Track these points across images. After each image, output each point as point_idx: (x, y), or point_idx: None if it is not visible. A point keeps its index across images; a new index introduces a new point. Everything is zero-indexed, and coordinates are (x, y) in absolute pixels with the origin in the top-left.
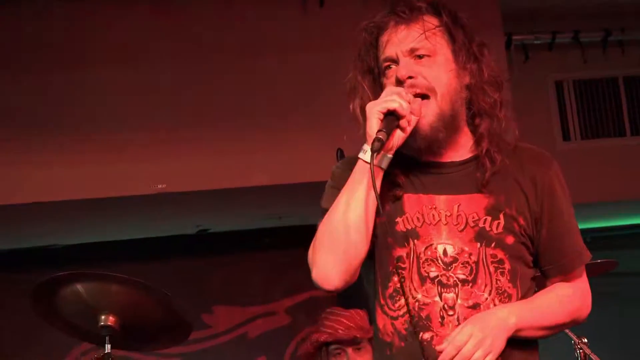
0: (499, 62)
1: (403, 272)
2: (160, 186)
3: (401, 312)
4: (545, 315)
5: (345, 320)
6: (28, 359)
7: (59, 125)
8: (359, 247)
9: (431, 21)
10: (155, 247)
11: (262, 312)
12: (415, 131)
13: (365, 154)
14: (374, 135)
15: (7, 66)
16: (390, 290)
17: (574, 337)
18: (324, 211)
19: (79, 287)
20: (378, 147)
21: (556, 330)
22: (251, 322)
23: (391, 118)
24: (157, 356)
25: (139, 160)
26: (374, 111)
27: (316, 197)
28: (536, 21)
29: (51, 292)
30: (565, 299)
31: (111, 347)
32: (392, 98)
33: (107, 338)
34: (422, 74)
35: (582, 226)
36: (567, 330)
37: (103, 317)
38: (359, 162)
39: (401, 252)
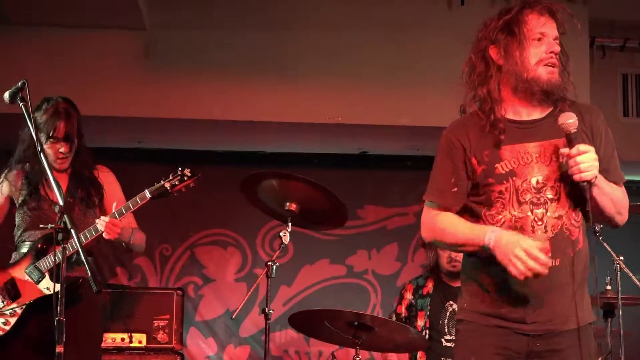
0: (583, 57)
1: (504, 200)
2: (337, 118)
3: (499, 224)
4: (611, 191)
5: None
6: (233, 226)
7: (269, 68)
8: None
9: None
10: (328, 161)
11: (398, 212)
12: (536, 81)
13: (491, 242)
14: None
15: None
16: (492, 211)
17: (614, 254)
18: (433, 181)
19: (274, 181)
20: None
21: (608, 211)
22: (390, 219)
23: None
24: (322, 234)
25: (321, 97)
26: (510, 265)
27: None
28: (613, 29)
29: (256, 183)
30: (623, 194)
31: (292, 225)
32: (527, 265)
33: (289, 218)
34: (558, 52)
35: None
36: (608, 248)
37: (288, 203)
38: (487, 236)
39: (501, 187)
